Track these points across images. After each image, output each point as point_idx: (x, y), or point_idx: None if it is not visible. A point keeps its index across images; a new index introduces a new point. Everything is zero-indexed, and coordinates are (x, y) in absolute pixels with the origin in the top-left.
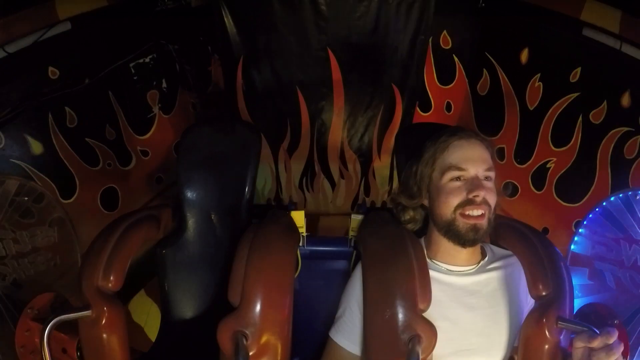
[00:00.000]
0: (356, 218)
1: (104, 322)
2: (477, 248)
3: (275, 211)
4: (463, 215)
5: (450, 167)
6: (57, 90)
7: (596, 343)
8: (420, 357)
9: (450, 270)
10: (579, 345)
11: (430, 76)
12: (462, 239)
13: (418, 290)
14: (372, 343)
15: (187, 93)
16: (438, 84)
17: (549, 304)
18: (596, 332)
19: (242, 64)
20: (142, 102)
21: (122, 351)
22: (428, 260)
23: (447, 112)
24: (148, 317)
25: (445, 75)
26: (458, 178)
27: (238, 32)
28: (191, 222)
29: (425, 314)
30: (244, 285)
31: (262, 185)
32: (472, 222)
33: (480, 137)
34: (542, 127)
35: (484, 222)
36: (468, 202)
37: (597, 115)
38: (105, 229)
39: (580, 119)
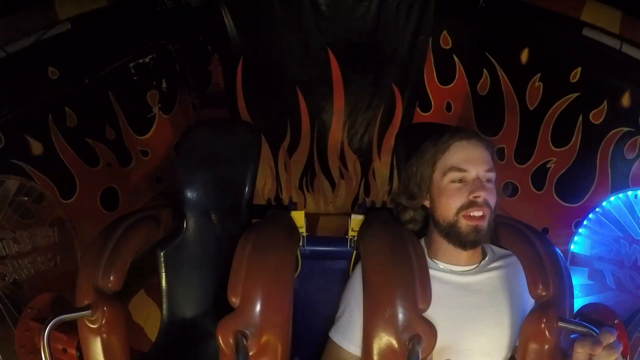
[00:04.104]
0: (356, 218)
1: (104, 322)
2: (478, 248)
3: (275, 211)
4: (465, 217)
5: (452, 168)
6: (57, 90)
7: (598, 350)
8: (421, 357)
9: (451, 270)
10: (580, 350)
11: (430, 76)
12: (463, 241)
13: (418, 290)
14: (372, 343)
15: (187, 93)
16: (438, 84)
17: (549, 304)
18: (596, 332)
19: (242, 64)
20: (142, 102)
21: (122, 351)
22: (428, 259)
23: (447, 112)
24: (148, 317)
25: (445, 75)
26: (460, 180)
27: (238, 32)
28: (191, 222)
29: (426, 314)
30: (244, 285)
31: (262, 185)
32: (473, 223)
33: (480, 137)
34: (542, 127)
35: (484, 224)
36: (470, 204)
37: (597, 116)
38: (105, 229)
39: (580, 119)
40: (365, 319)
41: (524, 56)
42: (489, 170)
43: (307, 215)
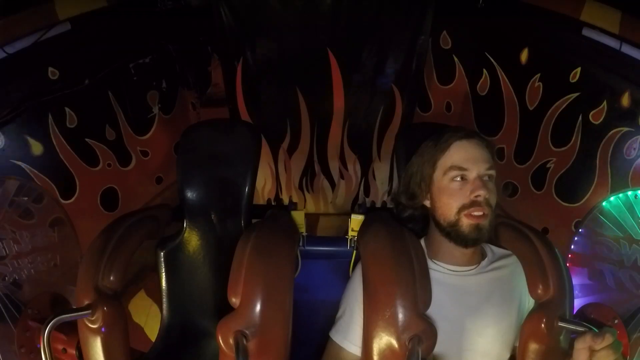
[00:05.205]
0: (356, 218)
1: (104, 322)
2: (478, 248)
3: (275, 211)
4: (466, 216)
5: (452, 167)
6: (57, 90)
7: (597, 344)
8: (420, 357)
9: (451, 271)
10: (580, 346)
11: (430, 76)
12: (464, 240)
13: (418, 290)
14: (372, 343)
15: (187, 93)
16: (438, 84)
17: (549, 304)
18: (596, 332)
19: (242, 64)
20: (142, 102)
21: (122, 351)
22: (429, 260)
23: (447, 112)
24: (148, 317)
25: (445, 75)
26: (460, 178)
27: (238, 32)
28: (191, 223)
29: (426, 315)
30: (244, 285)
31: (262, 185)
32: (475, 222)
33: (480, 136)
34: (542, 127)
35: (486, 222)
36: (471, 204)
37: (597, 115)
38: (105, 229)
39: (580, 119)
40: (365, 319)
41: (524, 56)
42: (489, 169)
43: (307, 215)
